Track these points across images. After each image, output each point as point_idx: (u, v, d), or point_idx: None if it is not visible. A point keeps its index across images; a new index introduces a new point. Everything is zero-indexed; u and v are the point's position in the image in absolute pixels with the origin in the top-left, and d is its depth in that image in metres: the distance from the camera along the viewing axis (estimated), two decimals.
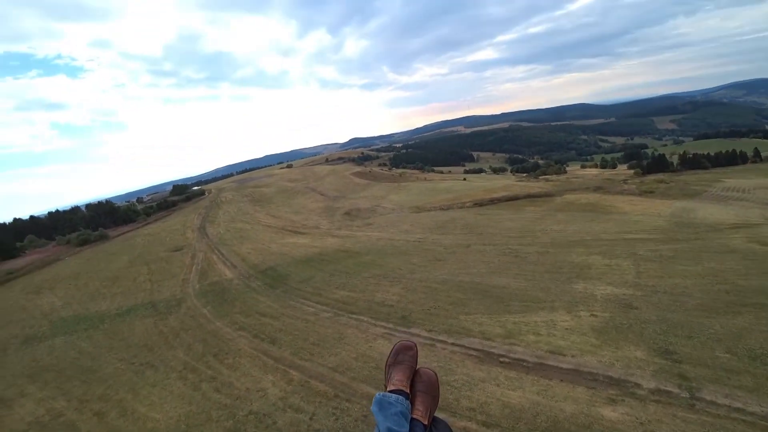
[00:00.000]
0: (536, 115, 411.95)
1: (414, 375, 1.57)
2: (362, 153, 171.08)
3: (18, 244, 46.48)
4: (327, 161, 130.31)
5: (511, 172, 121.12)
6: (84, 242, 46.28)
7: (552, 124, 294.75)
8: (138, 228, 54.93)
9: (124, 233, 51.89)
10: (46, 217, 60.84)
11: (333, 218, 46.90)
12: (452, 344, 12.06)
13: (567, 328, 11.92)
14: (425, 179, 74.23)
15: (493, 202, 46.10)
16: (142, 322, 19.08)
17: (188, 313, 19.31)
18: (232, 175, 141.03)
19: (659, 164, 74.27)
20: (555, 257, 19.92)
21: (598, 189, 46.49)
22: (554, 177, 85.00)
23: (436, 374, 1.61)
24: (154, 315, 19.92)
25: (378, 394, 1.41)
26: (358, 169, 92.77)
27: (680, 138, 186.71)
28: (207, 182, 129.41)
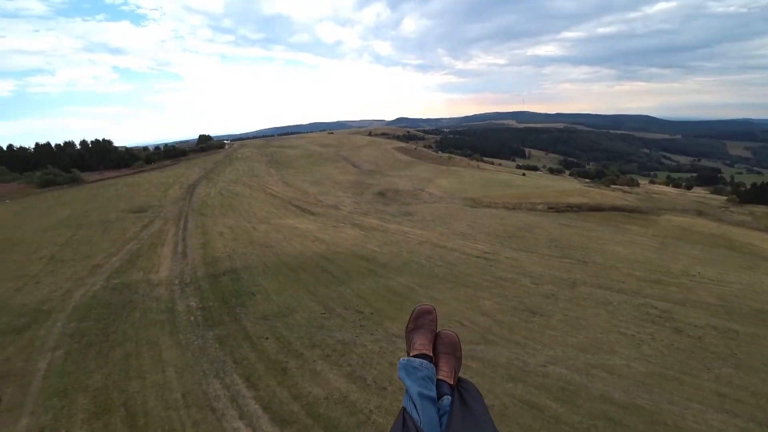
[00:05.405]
0: (594, 121, 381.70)
1: (435, 338, 1.47)
2: (408, 132, 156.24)
3: None
4: (370, 134, 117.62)
5: (570, 175, 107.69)
6: (48, 183, 36.60)
7: (611, 131, 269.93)
8: (126, 175, 44.94)
9: (105, 179, 42.04)
10: (31, 149, 51.60)
11: (361, 197, 34.94)
12: None
13: None
14: (478, 167, 61.02)
15: (572, 208, 34.48)
16: None
17: (12, 362, 8.27)
18: (273, 136, 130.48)
19: (761, 194, 57.30)
20: (757, 349, 9.10)
21: (701, 214, 36.67)
22: (628, 189, 72.18)
23: (456, 335, 1.50)
24: None
25: (402, 359, 1.34)
26: (401, 144, 79.89)
27: (755, 168, 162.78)
28: (245, 139, 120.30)
